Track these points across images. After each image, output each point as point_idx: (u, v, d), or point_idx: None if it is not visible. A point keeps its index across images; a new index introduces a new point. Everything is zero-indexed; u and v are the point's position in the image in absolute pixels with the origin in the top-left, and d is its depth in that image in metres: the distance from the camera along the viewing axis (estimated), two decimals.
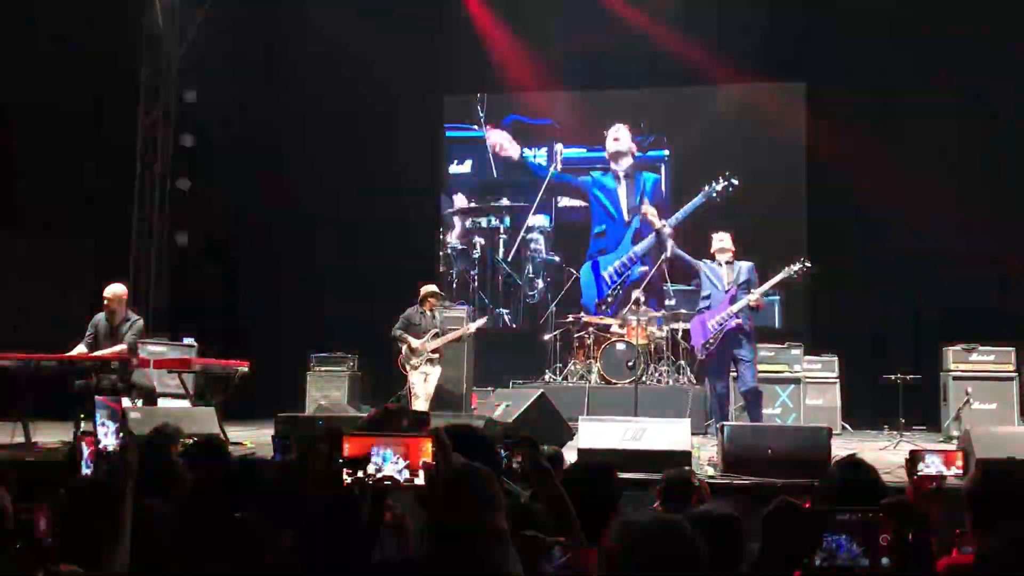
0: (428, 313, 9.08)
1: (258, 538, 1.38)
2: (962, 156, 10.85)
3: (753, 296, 7.38)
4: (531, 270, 12.78)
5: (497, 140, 12.82)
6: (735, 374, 7.90)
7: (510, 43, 12.03)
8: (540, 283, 12.71)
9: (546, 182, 12.74)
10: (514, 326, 12.69)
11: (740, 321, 7.37)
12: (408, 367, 8.99)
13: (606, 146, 12.64)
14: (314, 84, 12.20)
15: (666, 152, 12.47)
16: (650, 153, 12.52)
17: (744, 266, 7.60)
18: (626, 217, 12.47)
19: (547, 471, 2.16)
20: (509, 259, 12.86)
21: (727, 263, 7.60)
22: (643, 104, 12.57)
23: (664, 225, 10.84)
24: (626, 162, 12.56)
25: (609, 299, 11.95)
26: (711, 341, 7.44)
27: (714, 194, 11.57)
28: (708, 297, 7.63)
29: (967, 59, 10.68)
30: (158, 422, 4.75)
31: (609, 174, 12.62)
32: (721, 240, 7.75)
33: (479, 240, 12.93)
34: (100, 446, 2.45)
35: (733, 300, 7.37)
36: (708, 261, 7.76)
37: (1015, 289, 10.33)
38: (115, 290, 7.89)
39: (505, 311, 12.79)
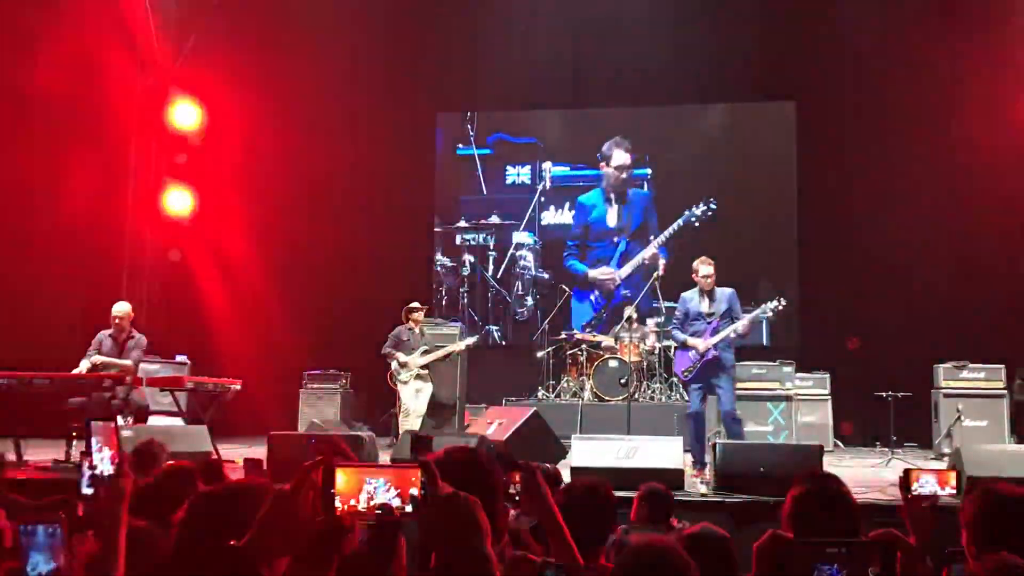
0: (416, 330, 9.13)
1: (252, 565, 1.39)
2: (952, 174, 10.93)
3: (738, 326, 7.32)
4: (520, 287, 12.80)
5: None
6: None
7: (498, 62, 12.08)
8: (529, 300, 12.73)
9: (536, 198, 12.79)
10: (503, 343, 12.70)
11: (717, 353, 7.31)
12: (398, 383, 9.00)
13: (608, 175, 12.60)
14: (308, 100, 12.24)
15: (648, 171, 12.53)
16: (634, 172, 12.58)
17: (725, 294, 7.47)
18: (615, 239, 12.48)
19: (541, 496, 2.16)
20: (499, 276, 12.88)
21: (707, 292, 7.51)
22: (631, 123, 12.62)
23: (654, 250, 10.95)
24: (620, 184, 12.58)
25: (594, 322, 11.98)
26: (689, 370, 7.41)
27: (693, 218, 11.64)
28: (692, 326, 7.53)
29: (957, 78, 10.78)
30: (145, 439, 4.74)
31: (600, 195, 12.63)
32: (695, 270, 7.51)
33: (469, 257, 12.95)
34: (96, 470, 2.46)
35: (715, 331, 7.33)
36: (688, 294, 7.64)
37: (1005, 306, 10.39)
38: (124, 308, 7.96)
39: (495, 328, 12.81)
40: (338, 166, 12.29)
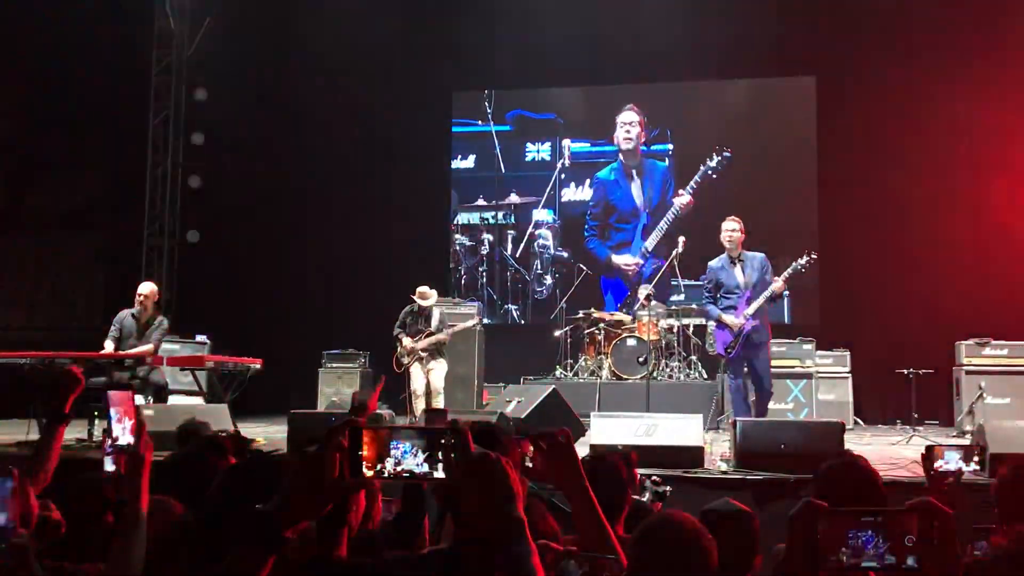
0: (421, 312, 9.07)
1: (279, 530, 1.39)
2: (973, 148, 10.80)
3: (773, 288, 7.17)
4: (539, 266, 12.77)
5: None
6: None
7: (515, 40, 11.97)
8: (548, 279, 12.70)
9: (556, 175, 12.73)
10: (522, 322, 12.68)
11: (756, 323, 7.19)
12: (402, 365, 8.99)
13: (618, 141, 12.48)
14: (324, 81, 12.22)
15: (669, 146, 12.44)
16: (654, 147, 12.48)
17: (756, 260, 7.31)
18: (639, 215, 12.40)
19: (570, 465, 2.06)
20: (517, 255, 12.85)
21: (738, 259, 7.35)
22: (652, 98, 12.50)
23: (683, 193, 10.92)
24: (636, 156, 12.46)
25: (628, 300, 11.88)
26: (731, 346, 7.30)
27: (710, 171, 11.60)
28: (725, 299, 7.41)
29: (977, 50, 10.63)
30: (176, 418, 4.78)
31: (619, 171, 12.52)
32: (724, 230, 7.35)
33: (487, 236, 12.92)
34: (116, 443, 2.47)
35: (749, 301, 7.21)
36: (716, 263, 7.51)
37: None
38: (148, 288, 7.96)
39: (514, 307, 12.79)
40: (356, 145, 12.29)
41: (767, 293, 7.16)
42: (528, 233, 12.77)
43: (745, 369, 7.48)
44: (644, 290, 10.38)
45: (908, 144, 11.03)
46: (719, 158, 11.63)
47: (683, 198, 11.76)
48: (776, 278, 7.27)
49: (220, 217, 12.28)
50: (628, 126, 12.41)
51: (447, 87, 12.92)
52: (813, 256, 7.47)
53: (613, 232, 12.49)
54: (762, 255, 7.44)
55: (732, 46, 11.62)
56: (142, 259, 11.91)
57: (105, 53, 11.47)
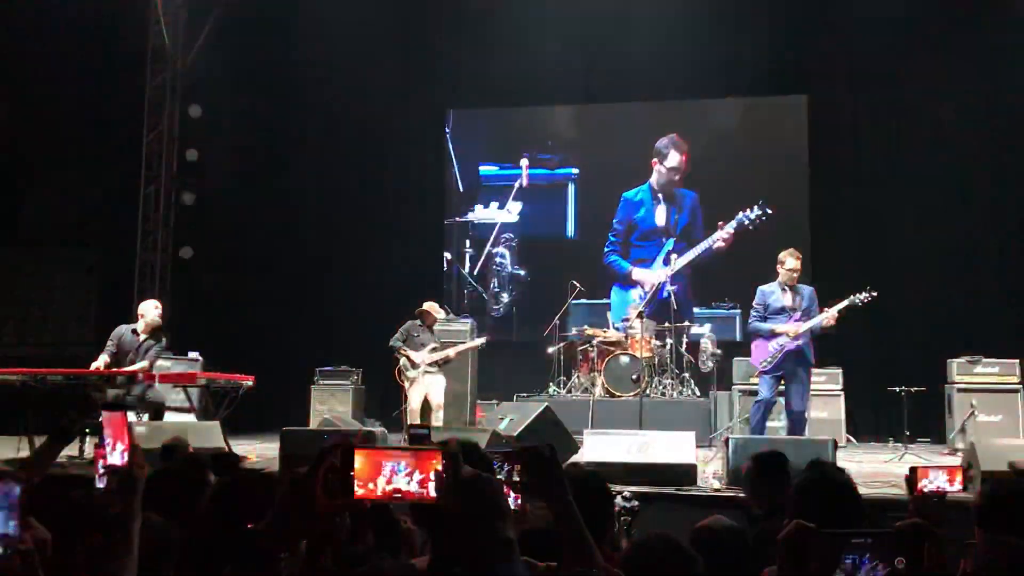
0: (427, 327, 9.13)
1: (270, 550, 1.39)
2: (966, 167, 10.87)
3: (824, 318, 7.19)
4: (496, 284, 12.76)
5: None
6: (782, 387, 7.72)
7: (504, 55, 12.01)
8: (505, 297, 12.69)
9: (514, 190, 12.74)
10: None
11: (801, 344, 7.20)
12: (406, 379, 9.01)
13: (655, 169, 12.34)
14: (317, 99, 12.26)
15: (574, 170, 12.51)
16: (558, 171, 12.54)
17: (806, 291, 7.39)
18: (662, 240, 12.33)
19: (555, 482, 2.05)
20: (475, 273, 12.84)
21: (790, 287, 7.35)
22: (642, 118, 12.54)
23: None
24: (669, 184, 12.35)
25: (642, 307, 11.81)
26: (767, 361, 7.28)
27: (747, 221, 11.52)
28: (771, 320, 7.41)
29: (971, 69, 10.71)
30: (165, 437, 4.77)
31: (647, 192, 12.41)
32: (781, 262, 7.42)
33: (446, 254, 12.91)
34: (108, 461, 2.46)
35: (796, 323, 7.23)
36: (767, 287, 7.46)
37: (1020, 301, 10.32)
38: (154, 308, 7.88)
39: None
40: (349, 163, 12.31)
41: (814, 322, 7.17)
42: (486, 252, 12.76)
43: (779, 387, 7.41)
44: (635, 308, 10.40)
45: (898, 162, 11.11)
46: (760, 212, 11.51)
47: (694, 252, 11.62)
48: (827, 310, 7.26)
49: (213, 233, 12.26)
50: (678, 172, 12.28)
51: (440, 104, 12.95)
52: (873, 294, 7.36)
53: (634, 249, 12.43)
54: (811, 288, 7.49)
55: (723, 65, 11.68)
56: (135, 275, 11.87)
57: (99, 69, 11.49)
